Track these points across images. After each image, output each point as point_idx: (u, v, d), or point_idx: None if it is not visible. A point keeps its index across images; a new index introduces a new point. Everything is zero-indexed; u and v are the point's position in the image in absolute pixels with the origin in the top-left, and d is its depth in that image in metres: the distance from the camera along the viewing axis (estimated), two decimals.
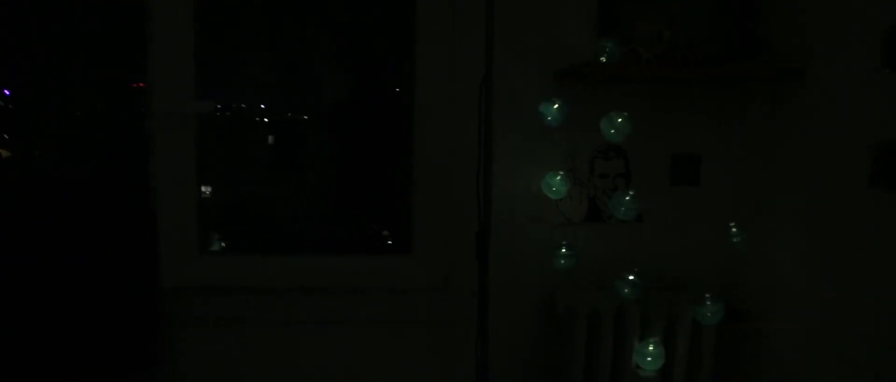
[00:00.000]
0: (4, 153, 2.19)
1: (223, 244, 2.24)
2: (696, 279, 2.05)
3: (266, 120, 2.42)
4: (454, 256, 2.09)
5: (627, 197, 1.85)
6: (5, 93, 2.17)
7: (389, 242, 2.38)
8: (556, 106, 1.91)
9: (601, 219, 2.11)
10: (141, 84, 2.07)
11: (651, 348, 1.84)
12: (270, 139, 2.39)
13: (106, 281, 1.95)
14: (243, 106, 2.49)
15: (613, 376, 1.91)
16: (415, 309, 2.12)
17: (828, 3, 1.69)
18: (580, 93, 1.99)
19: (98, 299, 1.96)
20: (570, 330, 1.91)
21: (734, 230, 1.85)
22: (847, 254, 1.65)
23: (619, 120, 1.81)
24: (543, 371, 2.09)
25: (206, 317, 2.08)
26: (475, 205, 2.07)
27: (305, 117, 2.40)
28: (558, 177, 1.96)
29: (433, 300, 2.11)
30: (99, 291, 1.95)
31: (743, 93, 2.00)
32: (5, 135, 2.19)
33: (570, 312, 1.91)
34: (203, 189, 2.45)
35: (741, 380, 1.98)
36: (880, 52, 1.54)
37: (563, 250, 1.97)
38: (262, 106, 2.46)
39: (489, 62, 1.78)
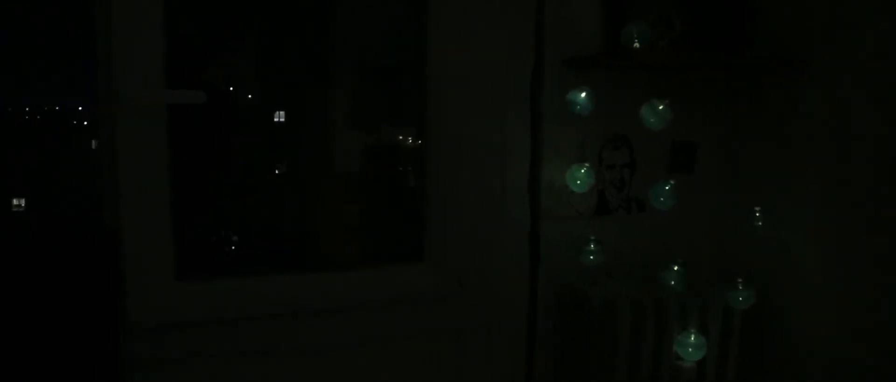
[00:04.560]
0: None
1: None
2: (703, 265, 2.08)
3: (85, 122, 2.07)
4: (468, 260, 1.92)
5: (667, 187, 1.82)
6: None
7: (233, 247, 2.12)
8: (583, 93, 1.83)
9: (609, 211, 2.06)
10: None
11: (692, 338, 1.82)
12: (93, 143, 2.05)
13: (52, 322, 1.52)
14: (57, 108, 2.15)
15: (654, 367, 1.86)
16: (431, 317, 1.92)
17: None
18: (586, 81, 1.91)
19: (41, 345, 1.52)
20: (611, 324, 1.83)
21: (758, 214, 1.89)
22: (871, 233, 1.74)
23: (661, 106, 1.77)
24: (574, 367, 1.99)
25: (188, 354, 1.70)
26: (486, 205, 1.94)
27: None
28: (583, 170, 1.88)
29: (449, 307, 1.93)
30: (43, 335, 1.52)
31: (747, 81, 2.05)
32: None
33: (609, 306, 1.83)
34: (16, 201, 2.08)
35: (764, 362, 2.03)
36: None
37: (592, 246, 1.89)
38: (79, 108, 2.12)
39: (540, 52, 1.65)
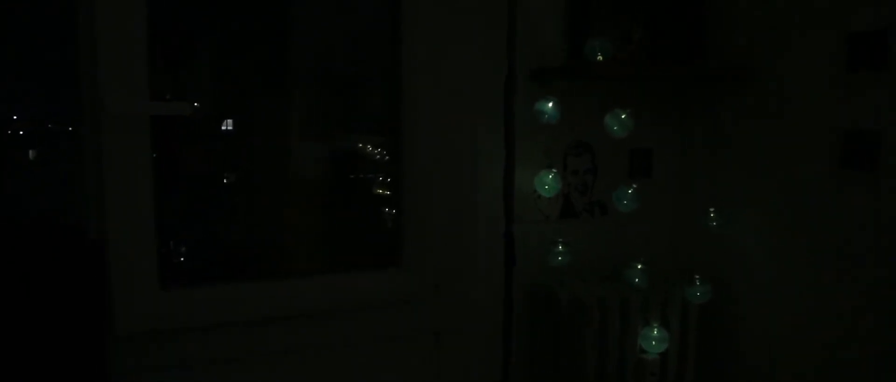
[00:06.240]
0: None
1: None
2: (661, 263, 2.21)
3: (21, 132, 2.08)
4: (443, 263, 2.00)
5: (629, 191, 1.94)
6: None
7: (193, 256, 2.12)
8: (551, 103, 1.94)
9: (574, 215, 2.18)
10: None
11: (655, 332, 1.94)
12: (31, 153, 2.06)
13: (33, 338, 1.53)
14: None
15: (620, 361, 1.98)
16: (408, 320, 1.99)
17: (792, 12, 1.93)
18: (549, 92, 2.02)
19: (23, 361, 1.53)
20: (579, 321, 1.93)
21: (712, 214, 2.03)
22: (816, 230, 1.89)
23: (623, 115, 1.89)
24: (543, 363, 2.09)
25: (173, 362, 1.73)
26: (459, 211, 2.02)
27: (69, 128, 2.11)
28: (551, 176, 1.98)
29: (425, 309, 2.00)
30: (23, 351, 1.53)
31: (701, 90, 2.20)
32: None
33: (578, 304, 1.94)
34: None
35: (719, 353, 2.17)
36: (845, 57, 1.80)
37: (560, 247, 1.99)
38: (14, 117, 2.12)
39: (512, 64, 1.74)
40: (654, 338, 1.94)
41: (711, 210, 2.03)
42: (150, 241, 1.69)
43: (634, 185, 1.93)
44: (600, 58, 1.90)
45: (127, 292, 1.66)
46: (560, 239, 2.00)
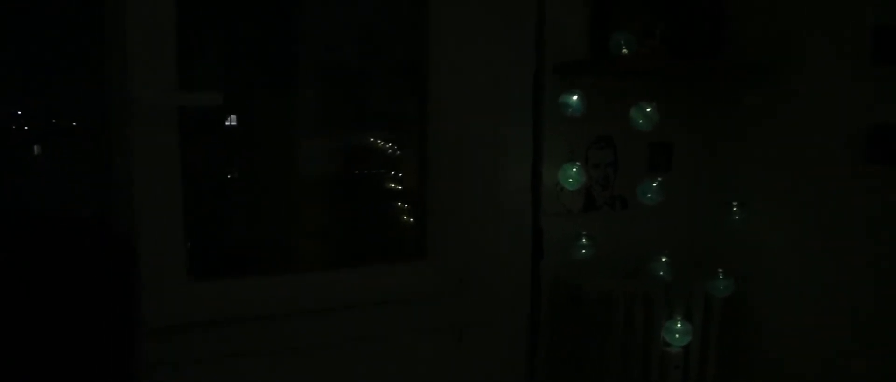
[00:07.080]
0: None
1: None
2: (680, 257, 2.21)
3: (25, 127, 2.08)
4: (468, 257, 2.00)
5: (654, 184, 1.94)
6: None
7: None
8: (575, 96, 1.94)
9: (596, 208, 2.18)
10: None
11: (679, 325, 1.95)
12: (36, 149, 2.05)
13: (62, 332, 1.53)
14: None
15: (645, 354, 1.98)
16: (431, 314, 1.99)
17: (814, 5, 1.93)
18: (572, 86, 2.02)
19: (51, 357, 1.52)
20: (605, 315, 1.94)
21: (735, 208, 2.03)
22: (838, 225, 1.90)
23: (649, 109, 1.89)
24: (567, 357, 2.09)
25: (202, 356, 1.73)
26: (484, 204, 2.02)
27: (74, 124, 2.11)
28: (574, 169, 1.99)
29: (450, 303, 2.00)
30: (52, 345, 1.52)
31: (722, 84, 2.20)
32: None
33: (604, 298, 1.94)
34: None
35: (739, 347, 2.18)
36: (869, 50, 1.80)
37: (584, 240, 2.00)
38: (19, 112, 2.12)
39: (541, 58, 1.74)
40: (677, 331, 1.94)
41: (734, 204, 2.03)
42: (179, 233, 1.70)
43: (659, 178, 1.93)
44: (625, 51, 1.90)
45: (157, 285, 1.66)
46: (584, 233, 2.01)
